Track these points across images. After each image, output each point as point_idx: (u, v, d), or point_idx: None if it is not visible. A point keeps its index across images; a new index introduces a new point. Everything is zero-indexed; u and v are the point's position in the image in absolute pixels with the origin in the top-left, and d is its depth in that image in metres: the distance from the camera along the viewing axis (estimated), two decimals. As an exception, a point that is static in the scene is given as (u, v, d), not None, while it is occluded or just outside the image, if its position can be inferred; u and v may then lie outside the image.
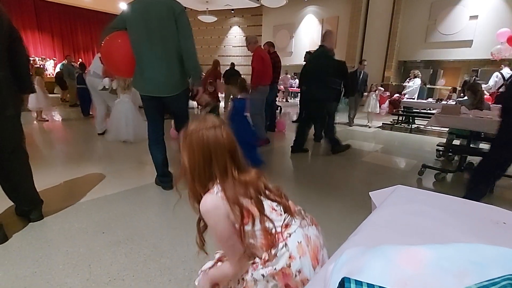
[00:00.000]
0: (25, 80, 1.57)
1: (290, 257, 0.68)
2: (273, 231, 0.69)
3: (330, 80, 3.15)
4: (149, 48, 1.80)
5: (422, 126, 5.68)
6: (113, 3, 10.48)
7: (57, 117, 5.76)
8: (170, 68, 1.87)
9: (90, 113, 5.71)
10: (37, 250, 1.38)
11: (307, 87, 3.45)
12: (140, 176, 2.49)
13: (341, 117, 6.01)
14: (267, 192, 0.74)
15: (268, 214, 0.70)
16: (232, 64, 7.10)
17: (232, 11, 11.76)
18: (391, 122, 6.19)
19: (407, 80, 6.93)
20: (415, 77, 6.62)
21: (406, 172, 2.98)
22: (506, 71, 5.30)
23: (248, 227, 0.68)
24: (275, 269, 0.68)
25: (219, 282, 0.80)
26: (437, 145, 3.32)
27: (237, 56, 12.47)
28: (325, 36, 3.33)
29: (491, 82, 5.38)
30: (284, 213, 0.73)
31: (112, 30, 1.84)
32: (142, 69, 1.86)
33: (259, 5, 10.28)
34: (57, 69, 9.11)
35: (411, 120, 5.93)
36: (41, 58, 10.05)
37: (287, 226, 0.71)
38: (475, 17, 7.77)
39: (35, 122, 4.95)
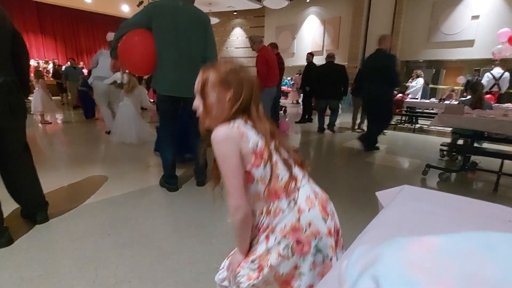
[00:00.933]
0: (27, 84, 1.61)
1: (299, 210, 0.68)
2: (283, 178, 0.70)
3: (395, 78, 3.49)
4: (176, 51, 1.88)
5: (426, 126, 5.66)
6: (115, 5, 10.55)
7: (60, 119, 5.80)
8: (194, 71, 1.93)
9: (96, 117, 5.74)
10: (43, 252, 1.38)
11: (368, 88, 3.66)
12: (145, 178, 2.50)
13: (344, 118, 6.01)
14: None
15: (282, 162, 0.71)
16: None
17: (235, 13, 11.81)
18: (394, 122, 6.17)
19: (410, 80, 6.89)
20: (417, 77, 6.57)
21: (410, 172, 2.97)
22: (496, 71, 5.32)
23: (259, 170, 0.68)
24: (284, 225, 0.68)
25: (240, 244, 0.75)
26: (441, 145, 3.31)
27: (239, 57, 12.51)
28: (381, 40, 3.56)
29: (484, 82, 5.41)
30: (294, 167, 0.74)
31: (133, 27, 1.85)
32: (166, 70, 1.91)
33: (261, 6, 10.30)
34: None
35: (414, 120, 5.92)
36: (45, 61, 10.13)
37: (296, 179, 0.72)
38: (477, 17, 7.76)
39: (39, 125, 4.99)
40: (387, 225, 0.61)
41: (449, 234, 0.35)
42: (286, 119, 6.53)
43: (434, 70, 9.17)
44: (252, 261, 0.72)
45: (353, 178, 2.76)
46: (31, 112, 5.07)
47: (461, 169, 2.77)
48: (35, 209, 1.65)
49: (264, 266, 0.69)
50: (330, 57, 4.87)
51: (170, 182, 2.18)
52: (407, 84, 7.02)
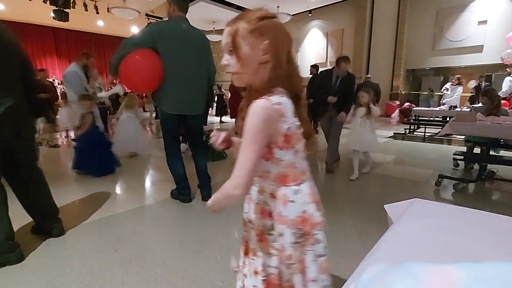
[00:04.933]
0: (37, 106, 1.69)
1: (305, 202, 0.69)
2: (298, 168, 0.69)
3: None
4: (184, 72, 1.95)
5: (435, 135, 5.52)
6: (125, 27, 11.06)
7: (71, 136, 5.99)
8: (201, 89, 2.08)
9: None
10: (52, 269, 1.39)
11: None
12: (151, 194, 2.51)
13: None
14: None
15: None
16: None
17: (239, 29, 12.14)
18: (403, 131, 6.04)
19: (446, 86, 5.91)
20: (459, 83, 5.51)
21: (422, 183, 2.86)
22: None
23: (280, 152, 0.66)
24: (295, 216, 0.68)
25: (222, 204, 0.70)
26: (454, 154, 3.20)
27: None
28: None
29: (505, 87, 5.21)
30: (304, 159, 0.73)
31: (136, 46, 1.86)
32: (174, 91, 1.97)
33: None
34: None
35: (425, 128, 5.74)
36: (61, 81, 10.59)
37: (303, 172, 0.72)
38: (484, 22, 7.70)
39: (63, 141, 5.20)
40: (397, 243, 0.58)
41: (473, 266, 0.30)
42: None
43: (442, 77, 9.05)
44: (270, 254, 0.71)
45: (361, 190, 2.68)
46: (59, 128, 5.46)
47: (477, 179, 2.66)
48: (50, 220, 1.68)
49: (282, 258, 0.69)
50: (367, 78, 6.57)
51: (184, 193, 2.23)
52: (443, 92, 6.08)
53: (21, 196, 1.59)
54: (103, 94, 3.86)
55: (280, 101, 0.63)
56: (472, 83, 6.87)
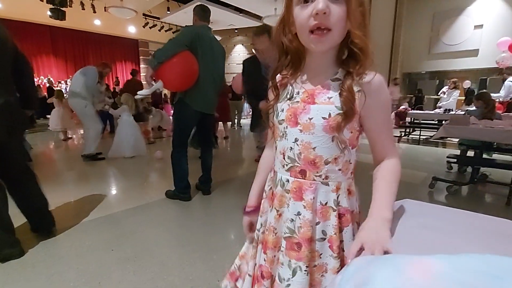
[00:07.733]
0: (33, 99, 1.67)
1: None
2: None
3: None
4: (213, 74, 2.19)
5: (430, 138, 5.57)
6: (122, 27, 11.04)
7: (75, 136, 5.93)
8: (217, 91, 2.31)
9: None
10: (50, 267, 1.40)
11: None
12: (148, 193, 2.52)
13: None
14: None
15: None
16: None
17: (236, 31, 12.14)
18: (398, 134, 6.09)
19: (443, 90, 5.99)
20: (455, 87, 5.47)
21: (416, 185, 2.91)
22: None
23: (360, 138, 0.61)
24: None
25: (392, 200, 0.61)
26: (448, 157, 3.25)
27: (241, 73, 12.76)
28: None
29: (503, 92, 5.26)
30: None
31: (181, 48, 1.96)
32: (205, 90, 2.15)
33: (261, 24, 10.60)
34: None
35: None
36: (59, 82, 10.53)
37: None
38: (480, 26, 7.78)
39: (62, 140, 5.19)
40: (385, 241, 0.60)
41: (451, 258, 0.32)
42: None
43: (437, 81, 9.15)
44: None
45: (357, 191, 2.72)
46: (49, 128, 5.27)
47: (470, 181, 2.70)
48: (42, 219, 1.68)
49: None
50: None
51: (185, 192, 2.30)
52: (440, 95, 6.13)
53: (14, 195, 1.58)
54: (145, 92, 3.73)
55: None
56: (467, 84, 6.92)
